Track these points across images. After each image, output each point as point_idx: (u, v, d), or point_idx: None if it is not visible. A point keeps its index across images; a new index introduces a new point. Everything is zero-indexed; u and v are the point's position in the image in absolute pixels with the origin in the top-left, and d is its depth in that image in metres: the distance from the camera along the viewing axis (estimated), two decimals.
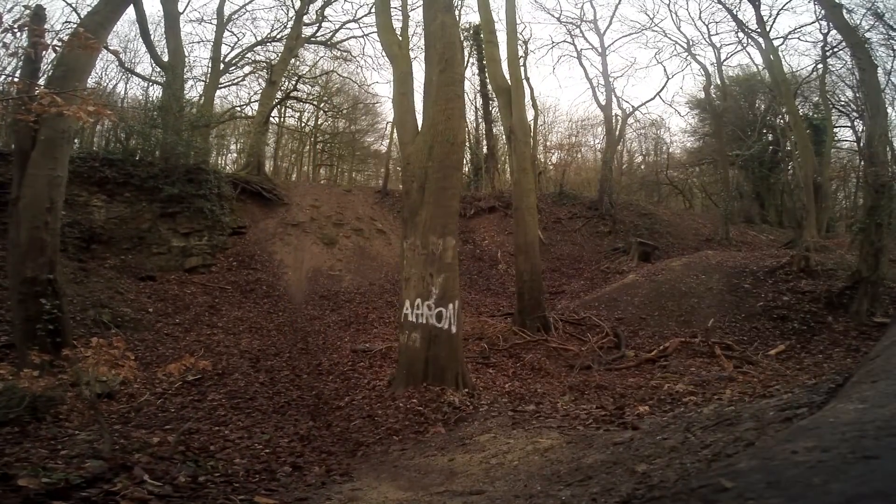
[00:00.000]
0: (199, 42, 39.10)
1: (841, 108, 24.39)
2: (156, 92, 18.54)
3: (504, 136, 17.84)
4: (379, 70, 28.93)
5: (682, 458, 2.76)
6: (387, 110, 29.59)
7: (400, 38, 9.10)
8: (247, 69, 21.72)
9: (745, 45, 23.17)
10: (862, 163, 19.18)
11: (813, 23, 31.80)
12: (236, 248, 13.82)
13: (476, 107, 23.64)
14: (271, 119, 21.85)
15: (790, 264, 11.73)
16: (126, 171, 12.17)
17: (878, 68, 13.05)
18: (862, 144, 19.98)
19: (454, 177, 7.09)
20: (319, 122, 27.29)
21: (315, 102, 24.75)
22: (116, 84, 25.43)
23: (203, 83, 20.11)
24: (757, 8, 19.14)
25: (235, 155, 25.57)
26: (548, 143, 28.64)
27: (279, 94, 20.61)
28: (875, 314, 9.60)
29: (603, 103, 22.04)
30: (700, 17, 30.89)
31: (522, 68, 19.57)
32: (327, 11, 21.09)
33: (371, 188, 21.14)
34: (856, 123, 24.21)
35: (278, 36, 20.86)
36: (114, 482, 2.66)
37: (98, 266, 11.09)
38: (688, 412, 4.22)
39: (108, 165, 12.06)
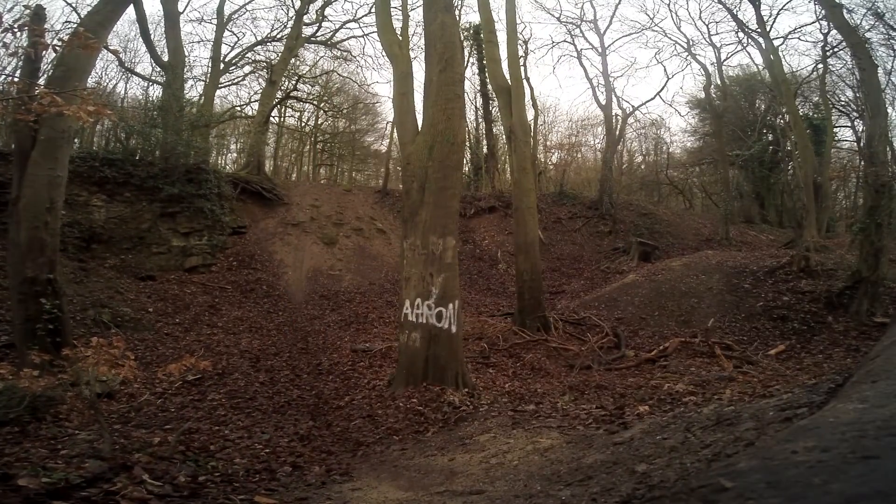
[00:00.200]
0: (199, 42, 39.07)
1: (841, 108, 24.41)
2: (156, 92, 18.57)
3: (504, 136, 17.84)
4: (379, 70, 29.00)
5: (682, 458, 2.76)
6: (387, 110, 29.62)
7: (400, 37, 9.10)
8: (247, 69, 21.77)
9: (745, 44, 23.25)
10: (862, 163, 19.18)
11: (813, 23, 31.83)
12: (236, 248, 13.83)
13: (476, 106, 23.66)
14: (271, 119, 21.85)
15: (790, 264, 11.73)
16: (126, 170, 12.17)
17: (879, 68, 13.05)
18: (862, 144, 19.99)
19: (454, 177, 7.09)
20: (319, 122, 27.32)
21: (315, 102, 24.77)
22: (116, 84, 25.46)
23: (203, 83, 20.15)
24: (757, 8, 19.15)
25: (235, 155, 25.61)
26: (548, 143, 28.67)
27: (279, 94, 20.61)
28: (875, 314, 9.60)
29: (603, 103, 22.08)
30: (700, 17, 30.96)
31: (522, 68, 19.57)
32: (327, 11, 21.13)
33: (371, 188, 21.15)
34: (856, 123, 24.25)
35: (278, 36, 20.89)
36: (114, 482, 2.66)
37: (98, 266, 11.10)
38: (688, 412, 4.22)
39: (108, 165, 12.06)
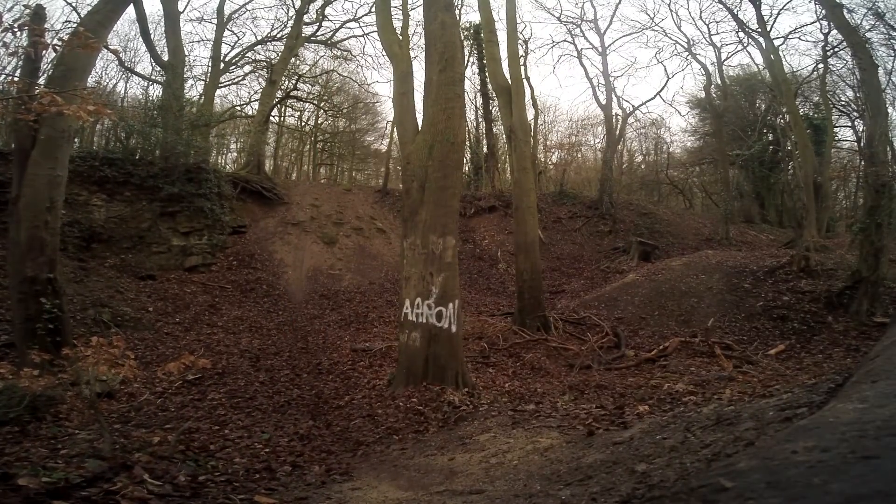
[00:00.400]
0: (199, 41, 38.96)
1: (841, 107, 24.40)
2: (156, 91, 18.54)
3: (504, 136, 17.84)
4: (379, 69, 28.96)
5: (682, 457, 2.76)
6: (387, 109, 29.60)
7: (400, 37, 9.10)
8: (247, 68, 21.77)
9: (745, 44, 23.22)
10: (862, 163, 19.17)
11: (813, 23, 31.80)
12: (236, 248, 13.83)
13: (476, 106, 23.65)
14: (271, 118, 21.85)
15: (790, 264, 11.73)
16: (126, 170, 12.17)
17: (879, 68, 13.04)
18: (862, 144, 19.98)
19: (454, 176, 7.09)
20: (319, 122, 27.31)
21: (315, 102, 24.78)
22: (116, 83, 25.47)
23: (203, 82, 20.13)
24: (757, 7, 19.14)
25: (235, 154, 25.60)
26: (548, 143, 28.67)
27: (279, 94, 20.61)
28: (875, 314, 9.60)
29: (603, 103, 22.07)
30: (700, 17, 30.82)
31: (523, 67, 19.59)
32: (327, 11, 21.12)
33: (371, 187, 21.16)
34: (856, 123, 24.24)
35: (278, 35, 20.88)
36: (114, 481, 2.66)
37: (98, 265, 11.10)
38: (687, 412, 4.22)
39: (108, 164, 12.06)
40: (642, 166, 30.74)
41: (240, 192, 14.88)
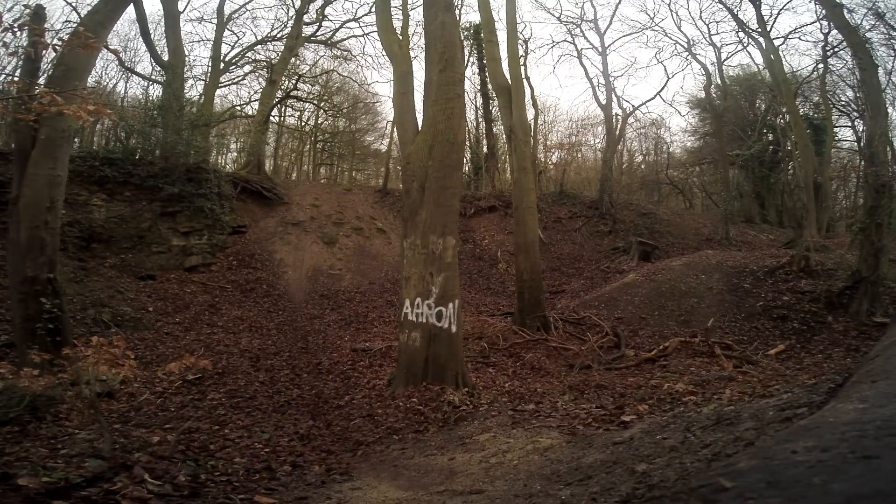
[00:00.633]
0: (199, 41, 39.04)
1: (841, 107, 24.40)
2: (156, 91, 18.53)
3: (504, 136, 17.83)
4: (379, 69, 28.95)
5: (682, 457, 2.76)
6: (387, 109, 29.59)
7: (400, 37, 9.10)
8: (247, 68, 21.75)
9: (745, 44, 23.20)
10: (862, 163, 19.17)
11: (814, 23, 31.79)
12: (236, 248, 13.83)
13: (476, 106, 23.66)
14: (271, 118, 21.85)
15: (790, 264, 11.73)
16: (126, 170, 12.17)
17: (879, 68, 13.02)
18: (862, 144, 19.98)
19: (454, 176, 7.09)
20: (319, 122, 27.31)
21: (315, 101, 24.77)
22: (116, 83, 25.46)
23: (203, 82, 20.13)
24: (758, 7, 19.14)
25: (235, 154, 25.61)
26: (548, 143, 28.65)
27: (279, 94, 20.60)
28: (875, 314, 9.60)
29: (603, 103, 22.07)
30: (700, 17, 30.78)
31: (523, 67, 19.58)
32: (327, 10, 21.11)
33: (371, 187, 21.16)
34: (856, 123, 24.24)
35: (278, 35, 20.87)
36: (114, 481, 2.66)
37: (98, 265, 11.10)
38: (687, 412, 4.22)
39: (109, 164, 12.06)
40: (642, 166, 30.74)
41: (240, 192, 14.88)
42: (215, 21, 19.16)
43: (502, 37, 13.41)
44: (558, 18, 23.90)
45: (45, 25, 6.90)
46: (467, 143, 20.93)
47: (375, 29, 12.81)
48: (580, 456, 3.54)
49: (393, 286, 13.15)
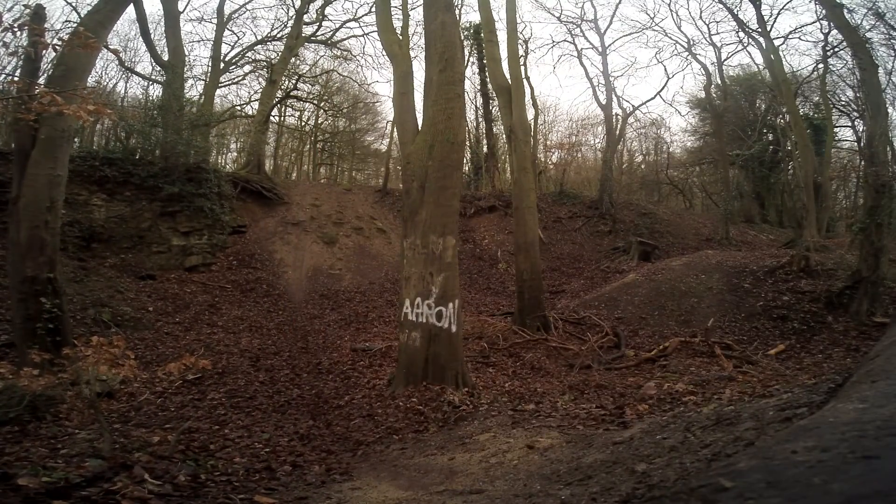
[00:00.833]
0: (199, 41, 39.10)
1: (841, 107, 24.39)
2: (156, 91, 18.54)
3: (504, 136, 17.84)
4: (379, 69, 28.94)
5: (682, 457, 2.75)
6: (387, 109, 29.57)
7: (400, 37, 9.10)
8: (247, 68, 21.74)
9: (745, 44, 23.19)
10: (862, 163, 19.17)
11: (814, 23, 31.75)
12: (236, 247, 13.83)
13: (476, 106, 23.67)
14: (271, 118, 21.85)
15: (790, 264, 11.73)
16: (126, 169, 12.17)
17: (879, 68, 13.00)
18: (862, 144, 19.98)
19: (454, 176, 7.09)
20: (319, 121, 27.31)
21: (315, 101, 24.77)
22: (116, 83, 25.47)
23: (203, 82, 20.12)
24: (758, 7, 19.13)
25: (235, 154, 25.61)
26: (548, 143, 28.67)
27: (279, 93, 20.60)
28: (875, 314, 9.60)
29: (603, 103, 22.06)
30: (700, 17, 30.73)
31: (523, 67, 19.58)
32: (327, 10, 21.11)
33: (371, 187, 21.16)
34: (856, 123, 24.23)
35: (278, 35, 20.87)
36: (114, 481, 2.66)
37: (98, 265, 11.10)
38: (687, 412, 4.22)
39: (108, 164, 12.06)
40: (642, 166, 30.75)
41: (240, 191, 14.88)
42: (215, 21, 19.18)
43: (502, 37, 13.43)
44: (558, 18, 23.91)
45: (45, 25, 6.90)
46: (467, 143, 20.94)
47: (375, 29, 12.83)
48: (580, 456, 3.54)
49: (393, 286, 13.15)
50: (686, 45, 24.01)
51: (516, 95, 11.37)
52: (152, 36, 16.65)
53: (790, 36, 22.79)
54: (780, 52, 20.04)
